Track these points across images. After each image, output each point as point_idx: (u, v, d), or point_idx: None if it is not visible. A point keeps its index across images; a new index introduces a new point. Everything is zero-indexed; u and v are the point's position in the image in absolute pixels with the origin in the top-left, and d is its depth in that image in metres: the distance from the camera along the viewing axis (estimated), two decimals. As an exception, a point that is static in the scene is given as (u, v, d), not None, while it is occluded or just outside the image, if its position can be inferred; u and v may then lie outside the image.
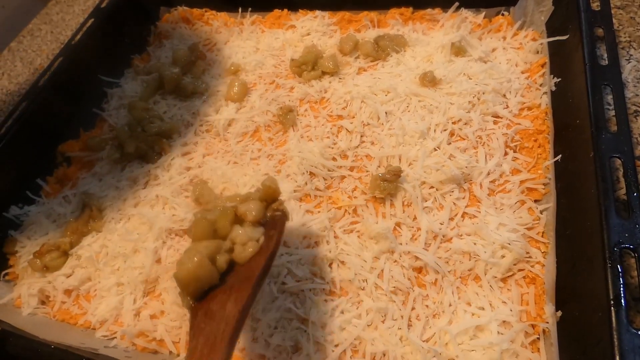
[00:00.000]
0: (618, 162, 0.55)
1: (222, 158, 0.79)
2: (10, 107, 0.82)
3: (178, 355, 0.60)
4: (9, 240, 0.76)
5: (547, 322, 0.53)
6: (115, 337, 0.63)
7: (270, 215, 0.55)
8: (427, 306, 0.58)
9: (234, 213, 0.53)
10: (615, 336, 0.42)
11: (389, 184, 0.66)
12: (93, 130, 0.91)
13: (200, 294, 0.48)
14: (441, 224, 0.63)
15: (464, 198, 0.65)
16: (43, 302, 0.70)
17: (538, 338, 0.53)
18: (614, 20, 0.83)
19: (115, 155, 0.82)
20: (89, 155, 0.86)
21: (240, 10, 1.01)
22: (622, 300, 0.44)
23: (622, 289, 0.44)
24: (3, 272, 0.74)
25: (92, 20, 0.95)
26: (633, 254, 0.47)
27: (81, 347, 0.59)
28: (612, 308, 0.44)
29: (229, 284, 0.49)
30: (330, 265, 0.63)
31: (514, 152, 0.68)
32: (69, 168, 0.85)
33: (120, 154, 0.82)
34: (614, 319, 0.43)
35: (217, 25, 1.02)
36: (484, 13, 0.86)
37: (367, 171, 0.71)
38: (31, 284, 0.70)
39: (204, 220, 0.52)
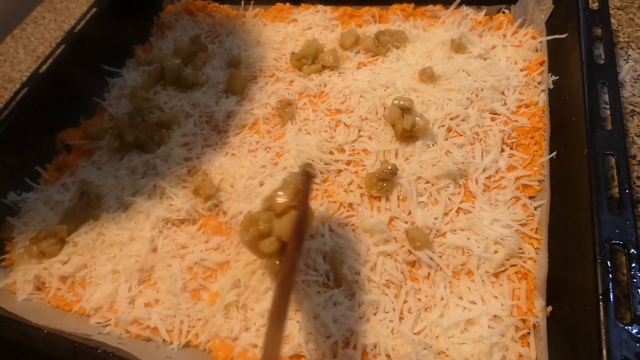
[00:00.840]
0: (612, 160, 0.55)
1: (220, 149, 0.79)
2: (12, 94, 0.83)
3: (171, 343, 0.61)
4: (6, 226, 0.77)
5: (537, 317, 0.53)
6: (109, 324, 0.64)
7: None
8: (419, 300, 0.58)
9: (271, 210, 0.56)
10: (603, 330, 0.43)
11: (386, 183, 0.66)
12: (93, 118, 0.91)
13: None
14: (435, 218, 0.63)
15: (459, 193, 0.65)
16: (38, 288, 0.71)
17: (528, 332, 0.53)
18: (613, 21, 0.84)
19: (114, 144, 0.82)
20: (88, 144, 0.86)
21: (242, 2, 1.02)
22: (611, 295, 0.44)
23: (610, 284, 0.45)
24: None
25: (95, 9, 0.95)
26: (623, 250, 0.47)
27: (74, 333, 0.60)
28: (601, 303, 0.44)
29: None
30: (324, 257, 0.63)
31: (511, 149, 0.68)
32: (68, 156, 0.86)
33: (119, 143, 0.82)
34: (602, 313, 0.43)
35: (219, 17, 1.03)
36: (484, 10, 0.86)
37: (363, 165, 0.71)
38: (27, 270, 0.71)
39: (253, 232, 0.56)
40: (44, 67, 0.87)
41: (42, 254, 0.70)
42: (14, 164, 0.81)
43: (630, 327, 0.43)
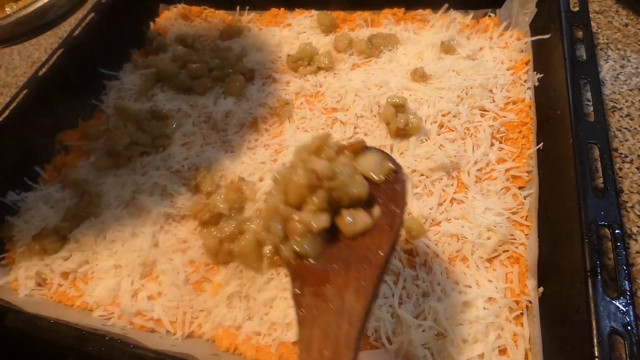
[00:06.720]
0: (596, 151, 0.58)
1: (219, 147, 0.81)
2: (7, 98, 0.84)
3: (175, 333, 0.62)
4: (5, 225, 0.77)
5: (530, 297, 0.55)
6: (113, 317, 0.64)
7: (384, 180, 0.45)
8: (417, 285, 0.60)
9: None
10: (592, 304, 0.45)
11: None
12: (91, 120, 0.92)
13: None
14: (430, 209, 0.66)
15: (452, 185, 0.68)
16: (39, 285, 0.71)
17: (522, 313, 0.56)
18: (593, 24, 0.89)
19: (108, 160, 0.82)
20: (86, 145, 0.87)
21: (238, 8, 1.04)
22: (598, 271, 0.47)
23: (597, 261, 0.48)
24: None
25: (93, 14, 0.97)
26: (609, 230, 0.50)
27: (79, 324, 0.60)
28: (589, 279, 0.47)
29: (343, 259, 0.40)
30: (324, 248, 0.65)
31: (500, 142, 0.72)
32: (67, 156, 0.86)
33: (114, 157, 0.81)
34: (590, 288, 0.46)
35: (215, 22, 1.05)
36: (472, 14, 0.90)
37: (360, 160, 0.74)
38: (28, 266, 0.71)
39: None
40: (43, 70, 0.88)
41: (44, 250, 0.71)
42: (13, 164, 0.82)
43: (617, 301, 0.45)
